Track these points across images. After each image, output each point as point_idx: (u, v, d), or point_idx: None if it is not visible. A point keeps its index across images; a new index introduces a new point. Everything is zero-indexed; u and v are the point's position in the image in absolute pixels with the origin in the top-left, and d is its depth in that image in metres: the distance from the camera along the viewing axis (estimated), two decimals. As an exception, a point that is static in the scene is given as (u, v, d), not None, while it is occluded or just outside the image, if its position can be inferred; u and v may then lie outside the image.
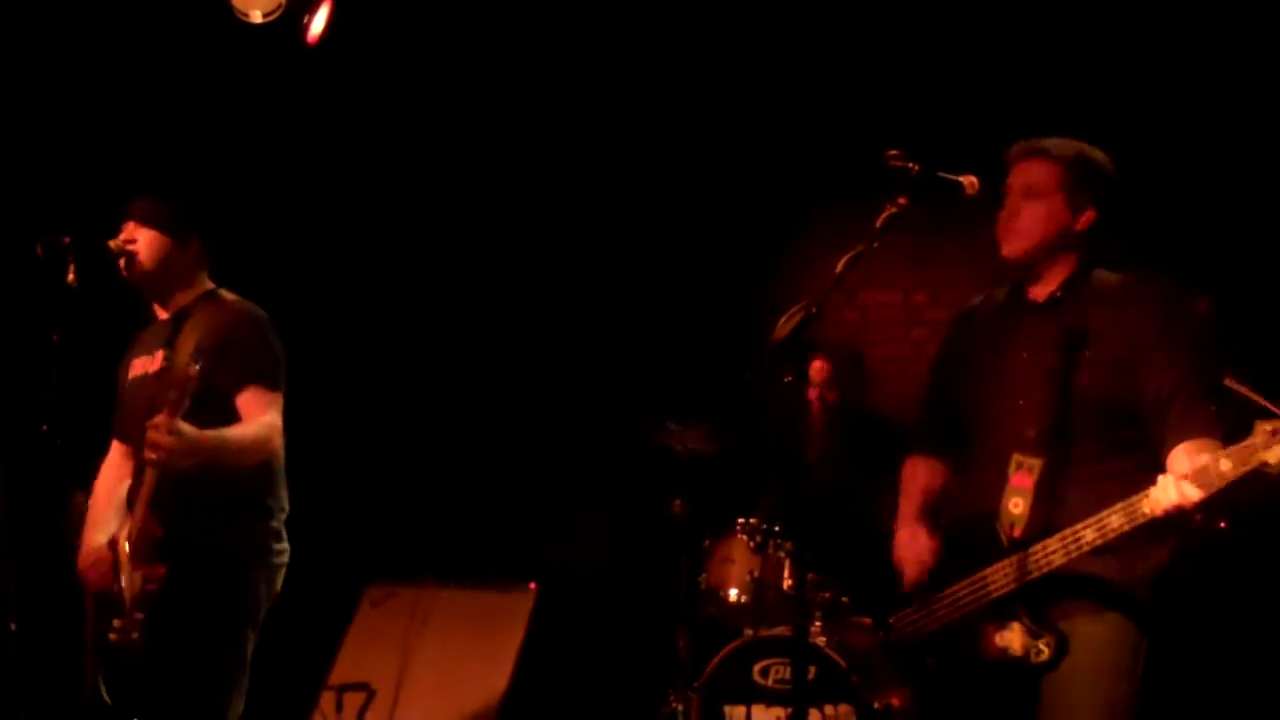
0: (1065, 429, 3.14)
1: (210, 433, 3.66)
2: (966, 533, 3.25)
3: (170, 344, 3.89)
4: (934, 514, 3.41)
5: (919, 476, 3.49)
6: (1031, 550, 3.08)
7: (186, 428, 3.55)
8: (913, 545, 3.33)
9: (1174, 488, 2.86)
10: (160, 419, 3.52)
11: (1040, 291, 3.28)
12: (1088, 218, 3.22)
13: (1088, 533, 2.99)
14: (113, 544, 3.90)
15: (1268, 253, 5.18)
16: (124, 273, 3.94)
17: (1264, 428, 2.79)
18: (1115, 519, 2.95)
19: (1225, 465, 2.81)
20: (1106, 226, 3.25)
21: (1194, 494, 2.83)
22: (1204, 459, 2.85)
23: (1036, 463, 3.15)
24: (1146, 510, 2.91)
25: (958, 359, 3.45)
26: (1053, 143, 3.26)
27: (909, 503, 3.45)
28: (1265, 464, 2.78)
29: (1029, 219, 3.21)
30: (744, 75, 6.03)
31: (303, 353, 4.12)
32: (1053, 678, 3.10)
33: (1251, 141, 5.27)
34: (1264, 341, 4.95)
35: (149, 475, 3.65)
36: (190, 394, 3.53)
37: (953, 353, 3.49)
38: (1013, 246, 3.24)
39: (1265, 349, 4.93)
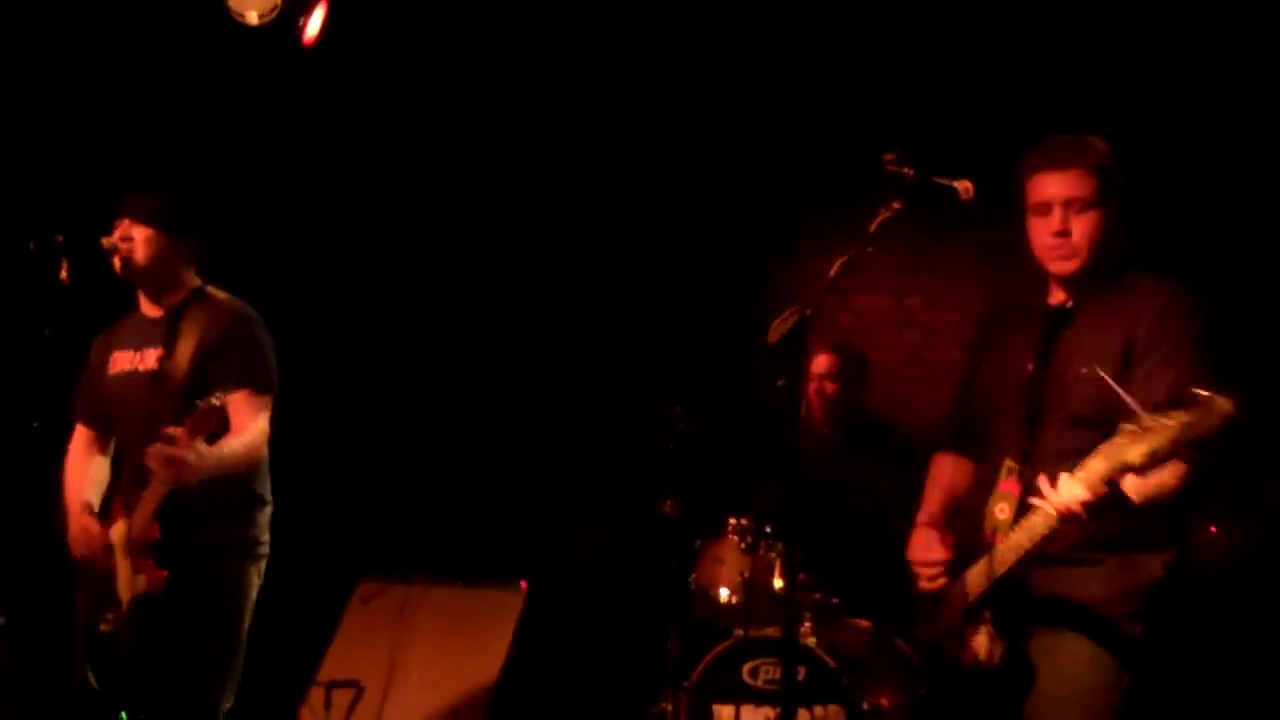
0: (1045, 440, 3.11)
1: (214, 450, 3.71)
2: (964, 537, 3.25)
3: (167, 346, 3.92)
4: (954, 514, 3.39)
5: (944, 475, 3.48)
6: (998, 548, 3.05)
7: (203, 448, 3.63)
8: (926, 550, 3.28)
9: (1065, 487, 2.83)
10: (181, 435, 3.57)
11: (1058, 296, 3.22)
12: (1119, 219, 3.14)
13: (1037, 518, 2.94)
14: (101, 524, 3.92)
15: (1267, 253, 5.20)
16: (119, 270, 3.95)
17: (1127, 428, 2.73)
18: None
19: (1097, 464, 2.78)
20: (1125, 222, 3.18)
21: (1081, 493, 2.80)
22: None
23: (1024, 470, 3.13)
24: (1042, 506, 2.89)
25: (978, 359, 3.42)
26: (1081, 151, 3.14)
27: (930, 502, 3.44)
28: (1127, 463, 2.73)
29: (1080, 234, 3.11)
30: (738, 80, 6.03)
31: (295, 350, 4.14)
32: (1034, 696, 3.07)
33: (1248, 141, 5.28)
34: (1265, 342, 4.96)
35: (157, 487, 3.69)
36: (217, 423, 3.63)
37: (975, 353, 3.45)
38: (1071, 264, 3.13)
39: (1266, 349, 4.95)
